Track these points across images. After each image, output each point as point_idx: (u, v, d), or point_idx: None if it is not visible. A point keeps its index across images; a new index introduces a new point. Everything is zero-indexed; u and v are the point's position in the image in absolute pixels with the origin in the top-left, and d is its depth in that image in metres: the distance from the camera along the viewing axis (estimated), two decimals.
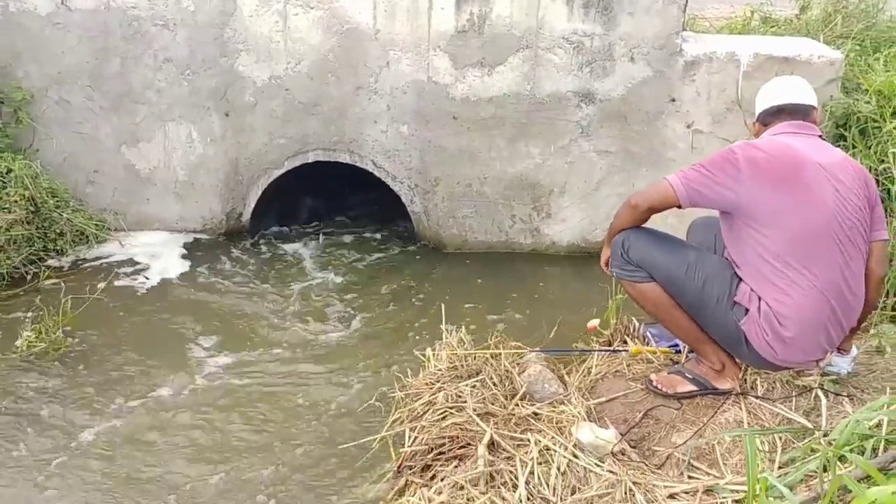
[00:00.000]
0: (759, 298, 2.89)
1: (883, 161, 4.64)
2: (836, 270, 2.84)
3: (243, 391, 3.78)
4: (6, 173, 4.95)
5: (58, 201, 5.22)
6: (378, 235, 5.87)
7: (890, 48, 5.67)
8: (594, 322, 3.78)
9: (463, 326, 3.83)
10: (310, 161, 5.51)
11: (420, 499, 2.54)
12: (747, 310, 2.91)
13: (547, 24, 5.15)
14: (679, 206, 2.97)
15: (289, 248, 5.60)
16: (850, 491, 2.43)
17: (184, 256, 5.35)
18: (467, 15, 5.15)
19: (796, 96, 3.07)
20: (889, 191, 4.51)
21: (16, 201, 4.88)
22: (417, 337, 4.23)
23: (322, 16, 5.19)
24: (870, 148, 4.88)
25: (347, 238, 5.83)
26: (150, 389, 3.76)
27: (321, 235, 5.82)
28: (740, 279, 2.95)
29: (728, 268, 3.00)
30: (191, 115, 5.42)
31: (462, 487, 2.57)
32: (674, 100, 5.24)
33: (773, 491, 2.17)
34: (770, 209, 2.83)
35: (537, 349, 3.62)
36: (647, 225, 3.16)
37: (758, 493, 2.15)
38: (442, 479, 2.65)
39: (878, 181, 4.64)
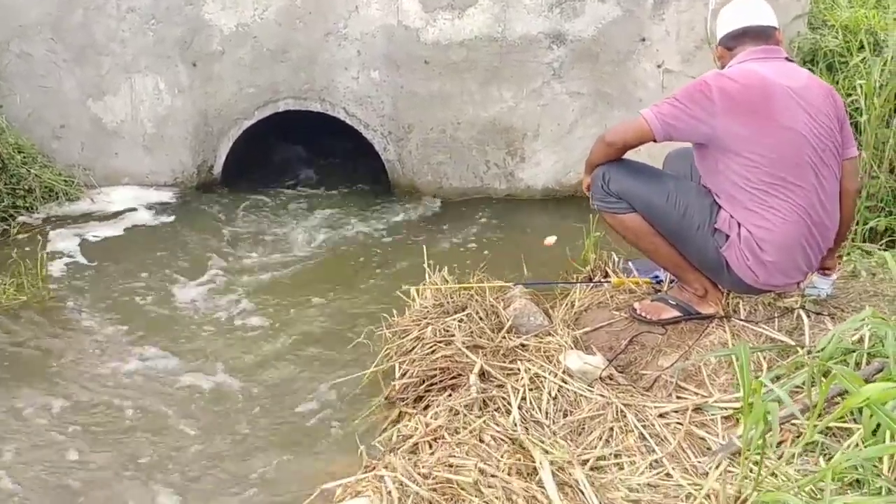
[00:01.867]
0: (739, 224, 2.94)
1: (850, 94, 4.70)
2: (811, 193, 2.90)
3: (224, 335, 3.78)
4: None
5: (25, 157, 5.13)
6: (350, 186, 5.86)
7: None
8: (551, 239, 3.81)
9: (445, 266, 3.84)
10: (280, 110, 5.46)
11: (417, 423, 2.57)
12: (727, 236, 2.97)
13: None
14: (654, 141, 3.00)
15: (260, 198, 5.56)
16: (837, 403, 2.53)
17: (153, 210, 5.28)
18: None
19: (759, 18, 3.08)
20: (857, 124, 4.58)
21: None
22: (400, 279, 4.22)
23: None
24: (837, 83, 4.94)
25: (321, 189, 5.81)
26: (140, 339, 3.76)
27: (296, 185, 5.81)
28: (720, 206, 3.00)
29: (707, 196, 3.05)
30: (157, 65, 5.33)
31: (457, 413, 2.61)
32: (644, 39, 5.26)
33: (767, 396, 2.23)
34: (744, 138, 2.87)
35: (521, 283, 3.66)
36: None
37: (752, 399, 2.20)
38: (437, 407, 2.68)
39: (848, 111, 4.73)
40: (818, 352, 2.65)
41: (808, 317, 3.01)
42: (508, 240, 4.94)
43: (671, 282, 3.47)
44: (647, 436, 2.60)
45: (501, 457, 2.33)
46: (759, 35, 3.06)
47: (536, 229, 5.19)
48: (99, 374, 3.41)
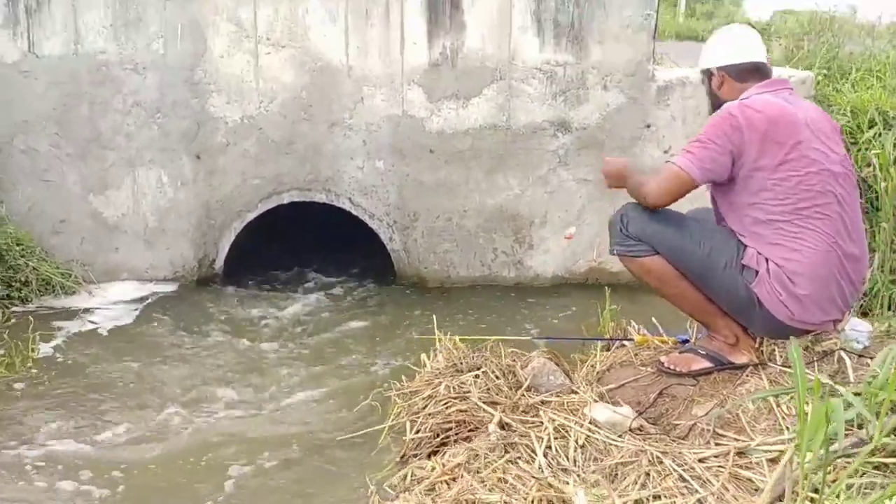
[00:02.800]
0: (767, 259, 2.81)
1: (869, 165, 4.68)
2: (837, 221, 2.83)
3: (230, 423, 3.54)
4: None
5: (23, 249, 4.99)
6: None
7: (857, 73, 5.78)
8: (571, 230, 3.59)
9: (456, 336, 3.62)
10: (284, 202, 5.38)
11: (435, 463, 2.31)
12: (756, 272, 2.82)
13: (519, 55, 5.18)
14: (695, 187, 2.91)
15: (261, 292, 5.39)
16: None
17: (150, 305, 5.09)
18: (440, 48, 5.17)
19: (763, 55, 3.09)
20: (876, 191, 4.54)
21: None
22: (407, 361, 3.98)
23: (294, 54, 5.16)
24: (851, 157, 4.92)
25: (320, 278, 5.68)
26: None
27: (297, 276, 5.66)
28: (744, 245, 2.88)
29: (731, 235, 2.93)
30: (161, 158, 5.29)
31: (477, 455, 2.36)
32: (649, 125, 5.25)
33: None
34: (771, 168, 2.82)
35: (539, 337, 3.45)
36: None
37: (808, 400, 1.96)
38: (455, 448, 2.44)
39: (865, 182, 4.69)
40: (868, 381, 2.44)
41: (851, 358, 2.79)
42: (519, 325, 4.74)
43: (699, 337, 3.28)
44: (688, 478, 2.34)
45: (529, 491, 2.08)
46: (765, 71, 3.06)
47: (548, 313, 4.99)
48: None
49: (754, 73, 3.01)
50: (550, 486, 2.15)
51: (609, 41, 5.16)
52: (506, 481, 2.19)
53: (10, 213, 5.16)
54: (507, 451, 2.50)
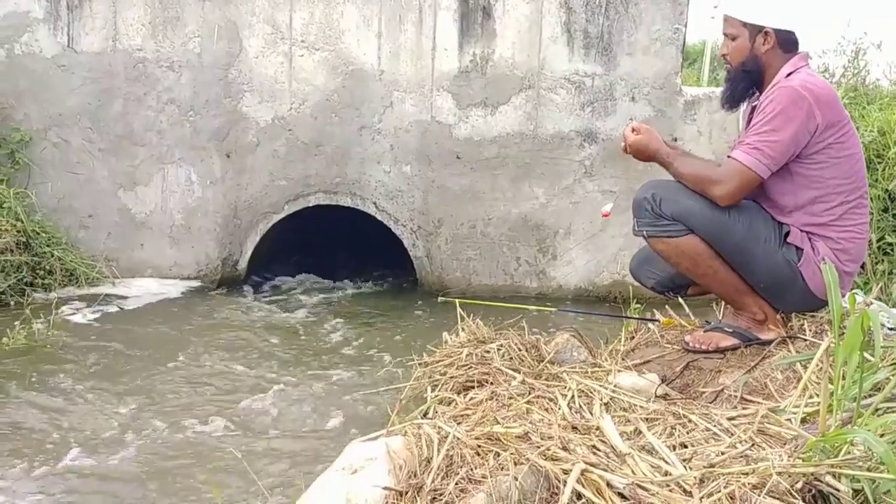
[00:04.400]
0: (810, 237, 2.79)
1: (891, 180, 4.66)
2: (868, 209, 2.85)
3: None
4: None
5: (49, 238, 5.04)
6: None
7: (882, 99, 5.78)
8: (608, 207, 3.47)
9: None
10: (311, 205, 5.41)
11: (457, 402, 2.28)
12: (799, 249, 2.79)
13: (548, 64, 5.23)
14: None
15: (284, 297, 5.39)
16: None
17: (176, 298, 5.11)
18: (470, 56, 5.23)
19: None
20: None
21: (6, 230, 4.70)
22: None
23: (327, 57, 5.25)
24: (876, 180, 4.89)
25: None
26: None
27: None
28: (781, 222, 2.85)
29: (761, 209, 2.90)
30: (191, 156, 5.35)
31: (500, 395, 2.32)
32: (676, 139, 5.26)
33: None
34: (838, 147, 2.77)
35: (564, 309, 3.42)
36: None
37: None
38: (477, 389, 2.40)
39: (891, 198, 4.66)
40: None
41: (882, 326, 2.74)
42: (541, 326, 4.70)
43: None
44: (717, 431, 2.29)
45: (553, 420, 2.04)
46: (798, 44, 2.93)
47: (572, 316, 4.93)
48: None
49: (795, 45, 2.87)
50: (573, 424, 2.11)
51: (638, 53, 5.22)
52: (529, 414, 2.15)
53: (40, 205, 5.21)
54: (529, 404, 2.46)
